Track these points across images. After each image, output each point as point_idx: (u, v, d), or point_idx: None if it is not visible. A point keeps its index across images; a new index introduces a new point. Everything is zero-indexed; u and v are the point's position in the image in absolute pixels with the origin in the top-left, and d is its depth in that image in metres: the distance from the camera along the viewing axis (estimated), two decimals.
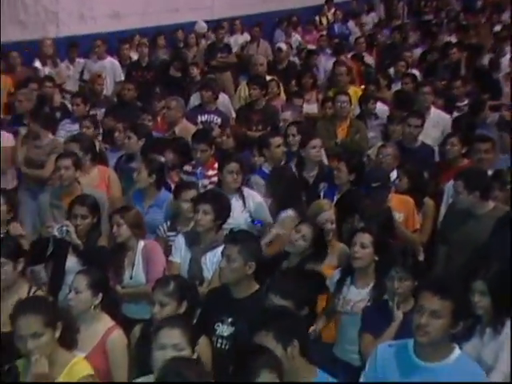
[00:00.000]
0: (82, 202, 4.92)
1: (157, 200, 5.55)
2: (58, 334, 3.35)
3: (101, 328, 3.86)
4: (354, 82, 9.66)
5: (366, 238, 4.33)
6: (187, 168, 6.33)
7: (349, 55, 11.08)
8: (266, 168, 6.20)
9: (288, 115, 7.52)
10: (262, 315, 3.24)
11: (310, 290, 3.97)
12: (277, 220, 5.24)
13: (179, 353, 3.18)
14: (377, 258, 4.33)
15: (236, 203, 5.35)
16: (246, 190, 5.57)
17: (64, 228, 4.72)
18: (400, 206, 5.43)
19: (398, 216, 5.36)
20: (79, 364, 3.39)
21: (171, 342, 3.20)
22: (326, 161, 6.57)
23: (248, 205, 5.45)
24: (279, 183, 5.49)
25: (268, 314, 3.23)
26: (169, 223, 5.26)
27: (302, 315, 3.71)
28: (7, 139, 6.93)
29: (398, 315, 3.95)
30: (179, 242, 4.84)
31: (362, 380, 3.35)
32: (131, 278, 4.77)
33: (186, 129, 7.23)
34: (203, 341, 3.62)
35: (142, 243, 4.84)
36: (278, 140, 6.29)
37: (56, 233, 4.73)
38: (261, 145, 6.41)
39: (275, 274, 4.36)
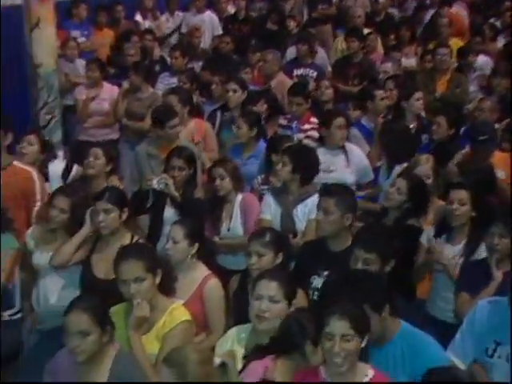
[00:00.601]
0: (179, 154, 5.01)
1: (256, 151, 5.61)
2: (157, 281, 3.49)
3: (198, 276, 3.96)
4: (462, 34, 9.32)
5: (463, 195, 4.22)
6: (282, 121, 6.36)
7: (453, 7, 10.65)
8: (365, 121, 6.18)
9: (389, 67, 7.50)
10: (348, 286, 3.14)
11: (400, 245, 3.91)
12: (392, 175, 5.20)
13: (274, 305, 3.24)
14: (474, 214, 4.23)
15: (339, 158, 5.37)
16: (348, 145, 5.54)
17: (163, 181, 4.84)
18: (502, 164, 5.26)
19: (500, 174, 5.20)
20: (178, 309, 3.53)
21: (268, 294, 3.26)
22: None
23: (351, 160, 5.41)
24: (391, 137, 5.42)
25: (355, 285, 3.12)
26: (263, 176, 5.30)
27: (386, 272, 3.66)
28: (112, 92, 7.17)
29: (497, 274, 3.85)
30: (268, 198, 4.87)
31: (457, 336, 3.31)
32: (229, 229, 4.84)
33: (282, 82, 7.23)
34: (300, 294, 3.65)
35: (240, 196, 4.89)
36: (382, 93, 6.34)
37: (155, 185, 4.86)
38: (363, 98, 6.40)
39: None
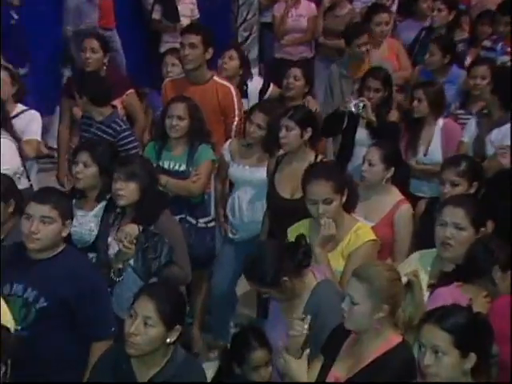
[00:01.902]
0: (375, 75, 4.94)
1: (450, 76, 5.41)
2: (344, 200, 3.52)
3: (390, 201, 3.94)
4: None
5: None
6: (486, 43, 6.07)
7: None
8: None
9: None
10: None
11: None
12: None
13: (460, 232, 3.16)
14: None
15: None
16: None
17: (361, 104, 4.78)
18: None
19: None
20: (363, 229, 3.56)
21: (452, 220, 3.18)
22: None
23: None
24: None
25: None
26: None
27: None
28: (310, 9, 7.10)
29: None
30: (472, 121, 4.71)
31: None
32: (425, 154, 4.73)
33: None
34: (490, 224, 3.48)
35: (441, 121, 4.76)
36: None
37: (352, 108, 4.80)
38: None
39: None
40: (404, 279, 2.92)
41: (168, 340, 2.77)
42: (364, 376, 2.73)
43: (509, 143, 3.86)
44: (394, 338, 2.76)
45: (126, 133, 4.70)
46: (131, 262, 3.64)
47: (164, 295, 2.82)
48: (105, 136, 4.63)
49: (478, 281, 2.97)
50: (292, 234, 3.52)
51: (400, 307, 2.80)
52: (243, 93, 5.37)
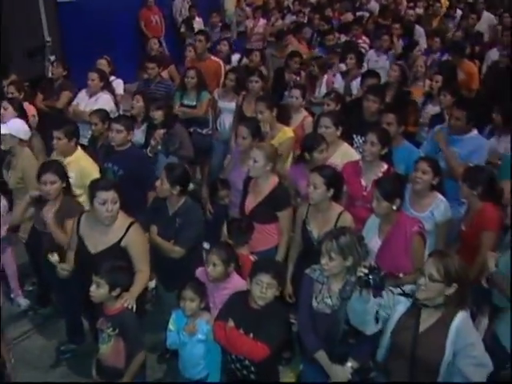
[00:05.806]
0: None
1: None
2: (274, 113, 6.33)
3: None
4: None
5: None
6: None
7: None
8: None
9: None
10: None
11: None
12: None
13: None
14: None
15: None
16: None
17: None
18: None
19: None
20: (287, 131, 6.34)
21: None
22: None
23: None
24: None
25: None
26: None
27: None
28: (264, 23, 12.18)
29: None
30: None
31: None
32: None
33: None
34: None
35: None
36: None
37: None
38: None
39: None
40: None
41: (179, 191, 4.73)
42: (265, 204, 5.02)
43: None
44: (274, 180, 5.05)
45: (172, 86, 8.41)
46: (159, 147, 6.51)
47: (175, 169, 4.81)
48: (161, 89, 8.24)
49: None
50: None
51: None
52: (229, 62, 9.24)
